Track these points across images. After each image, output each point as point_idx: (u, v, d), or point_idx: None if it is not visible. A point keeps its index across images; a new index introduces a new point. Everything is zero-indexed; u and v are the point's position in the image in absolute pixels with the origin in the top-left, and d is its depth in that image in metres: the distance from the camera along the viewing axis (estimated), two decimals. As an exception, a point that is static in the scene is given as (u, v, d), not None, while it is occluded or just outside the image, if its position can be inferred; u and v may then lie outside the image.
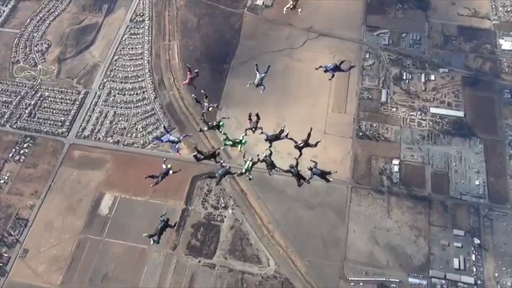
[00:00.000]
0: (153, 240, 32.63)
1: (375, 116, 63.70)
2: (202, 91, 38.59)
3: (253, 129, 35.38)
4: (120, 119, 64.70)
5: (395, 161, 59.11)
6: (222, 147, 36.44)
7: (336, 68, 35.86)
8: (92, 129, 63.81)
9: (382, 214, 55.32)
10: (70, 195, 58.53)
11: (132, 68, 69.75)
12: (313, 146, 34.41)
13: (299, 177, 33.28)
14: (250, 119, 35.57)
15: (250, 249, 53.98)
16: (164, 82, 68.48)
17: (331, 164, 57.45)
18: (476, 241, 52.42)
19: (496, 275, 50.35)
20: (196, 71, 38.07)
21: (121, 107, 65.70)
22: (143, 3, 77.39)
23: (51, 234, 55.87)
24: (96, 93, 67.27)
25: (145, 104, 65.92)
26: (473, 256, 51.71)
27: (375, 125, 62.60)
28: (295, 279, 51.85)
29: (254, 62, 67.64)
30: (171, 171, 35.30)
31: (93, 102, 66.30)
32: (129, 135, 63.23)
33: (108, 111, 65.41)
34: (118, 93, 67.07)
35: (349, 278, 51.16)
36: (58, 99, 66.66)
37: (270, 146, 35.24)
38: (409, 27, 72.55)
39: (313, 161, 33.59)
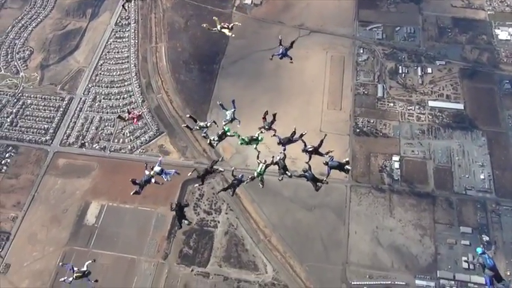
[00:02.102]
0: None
1: (372, 112, 61.28)
2: (187, 115, 36.06)
3: (267, 128, 32.36)
4: (107, 124, 62.00)
5: (396, 157, 56.53)
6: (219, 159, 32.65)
7: (287, 50, 33.71)
8: (77, 136, 60.93)
9: (384, 213, 52.50)
10: (54, 205, 55.37)
11: (118, 72, 67.22)
12: (322, 155, 31.42)
13: (315, 180, 30.21)
14: (264, 117, 32.64)
15: (246, 256, 50.88)
16: (152, 85, 65.90)
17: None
18: (485, 238, 49.64)
19: (508, 273, 47.36)
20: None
21: (107, 112, 63.06)
22: (129, 7, 74.91)
23: (35, 248, 52.57)
24: (81, 99, 64.57)
25: (133, 108, 62.82)
26: (483, 254, 48.71)
27: (372, 121, 60.13)
28: (295, 285, 48.72)
29: (244, 62, 67.76)
30: (153, 180, 30.48)
31: (77, 109, 63.57)
32: (116, 140, 60.44)
33: (94, 116, 62.69)
34: (104, 98, 64.44)
35: (352, 283, 48.15)
36: (41, 107, 63.88)
37: (285, 150, 32.21)
38: (402, 20, 70.66)
39: (330, 155, 30.60)
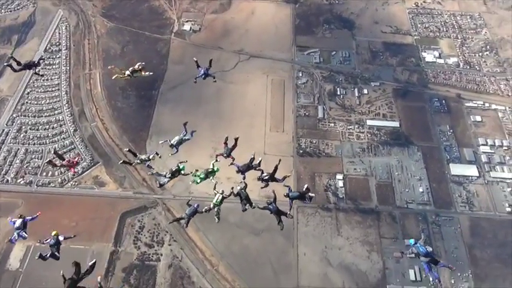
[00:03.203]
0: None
1: (314, 133, 61.85)
2: (125, 149, 33.56)
3: (225, 155, 30.32)
4: (33, 156, 56.81)
5: (339, 176, 56.97)
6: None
7: (207, 69, 32.45)
8: (-1, 171, 55.18)
9: (332, 232, 52.00)
10: (-30, 250, 48.85)
11: (48, 101, 62.73)
12: (280, 180, 29.85)
13: (279, 213, 28.25)
14: (226, 143, 30.54)
15: (192, 289, 47.66)
16: (85, 113, 62.05)
17: (274, 184, 53.74)
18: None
19: (453, 281, 48.33)
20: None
21: (34, 144, 57.93)
22: (59, 33, 71.48)
23: None
24: (3, 130, 58.98)
25: (64, 138, 58.80)
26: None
27: (314, 142, 60.56)
28: (246, 316, 46.11)
29: (183, 87, 66.15)
30: (61, 238, 25.71)
31: (-1, 141, 57.93)
32: (44, 174, 55.35)
33: (19, 149, 57.29)
34: (30, 129, 59.40)
35: (305, 307, 46.43)
36: (-44, 141, 57.48)
37: (244, 178, 30.17)
38: (337, 45, 73.55)
39: (286, 186, 29.14)
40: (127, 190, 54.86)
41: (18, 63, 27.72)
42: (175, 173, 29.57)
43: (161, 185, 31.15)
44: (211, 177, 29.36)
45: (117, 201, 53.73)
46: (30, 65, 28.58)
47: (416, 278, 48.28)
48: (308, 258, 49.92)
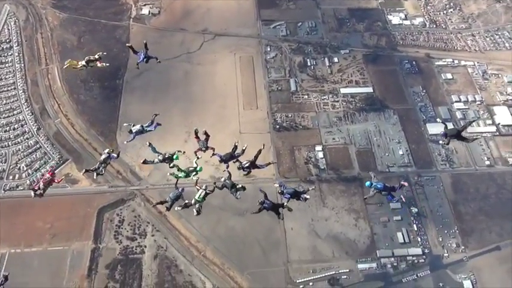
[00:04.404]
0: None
1: (288, 107, 60.61)
2: (82, 172, 32.65)
3: (204, 149, 28.83)
4: (-4, 161, 53.43)
5: (318, 147, 56.16)
6: None
7: (146, 52, 30.38)
8: (-35, 180, 51.57)
9: (317, 204, 51.37)
10: None
11: (4, 101, 58.69)
12: (262, 167, 28.78)
13: (276, 207, 27.13)
14: (197, 137, 28.99)
15: (181, 277, 46.26)
16: (47, 110, 58.50)
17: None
18: (414, 210, 50.64)
19: (440, 239, 48.75)
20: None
21: (-5, 148, 54.44)
22: (9, 29, 66.70)
23: None
24: (-40, 137, 55.09)
25: (27, 139, 55.40)
26: (415, 226, 49.75)
27: (290, 115, 59.38)
28: (239, 297, 45.19)
29: (149, 73, 63.25)
30: None
31: (-43, 148, 54.00)
32: (10, 177, 52.19)
33: (-21, 155, 53.71)
34: (-10, 132, 55.69)
35: (297, 281, 45.99)
36: None
37: (228, 167, 28.96)
38: (302, 16, 71.92)
39: (280, 184, 28.22)
40: (101, 185, 52.40)
41: None
42: (166, 160, 28.59)
43: (145, 162, 29.49)
44: (191, 175, 28.26)
45: (93, 197, 51.33)
46: None
47: (404, 240, 48.43)
48: (296, 233, 49.25)
